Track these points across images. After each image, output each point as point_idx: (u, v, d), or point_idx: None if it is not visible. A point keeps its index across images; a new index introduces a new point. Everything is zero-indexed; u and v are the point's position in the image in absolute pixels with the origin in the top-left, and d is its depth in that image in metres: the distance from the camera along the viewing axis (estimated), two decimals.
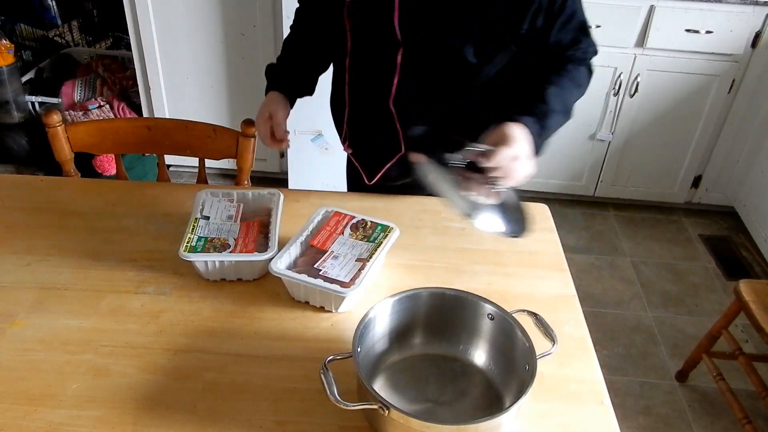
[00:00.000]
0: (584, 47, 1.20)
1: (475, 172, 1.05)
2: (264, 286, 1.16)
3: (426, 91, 1.24)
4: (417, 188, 1.39)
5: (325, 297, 1.09)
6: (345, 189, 1.57)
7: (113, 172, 2.75)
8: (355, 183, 1.48)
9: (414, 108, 1.26)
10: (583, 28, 1.19)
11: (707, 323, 2.21)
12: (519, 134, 1.06)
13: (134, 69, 2.77)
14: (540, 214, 1.39)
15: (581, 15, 1.18)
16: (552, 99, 1.14)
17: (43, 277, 1.16)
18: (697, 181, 2.87)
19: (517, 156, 1.04)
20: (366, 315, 0.95)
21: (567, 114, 1.19)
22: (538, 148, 1.10)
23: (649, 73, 2.60)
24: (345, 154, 1.49)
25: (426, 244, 1.28)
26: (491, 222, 1.07)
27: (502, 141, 1.04)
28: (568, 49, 1.19)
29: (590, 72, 1.24)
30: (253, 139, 1.55)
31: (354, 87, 1.31)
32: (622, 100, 2.66)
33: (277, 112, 1.32)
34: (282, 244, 1.15)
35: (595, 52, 1.24)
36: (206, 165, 1.67)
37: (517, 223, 1.10)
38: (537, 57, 1.20)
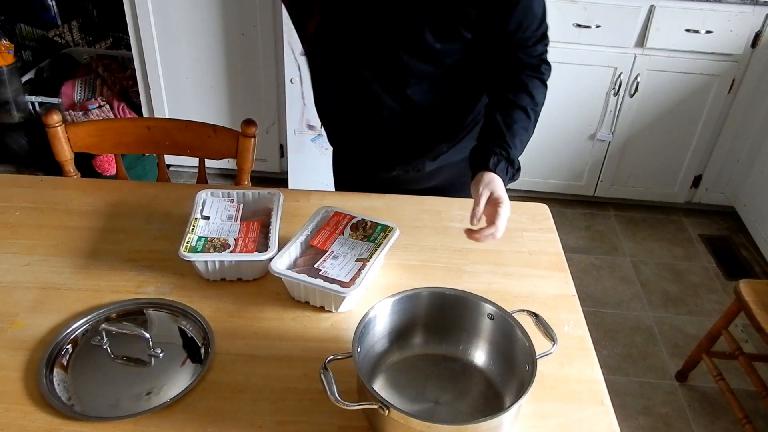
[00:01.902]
0: (544, 66, 1.20)
1: None
2: (264, 286, 1.16)
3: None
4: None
5: (325, 297, 1.09)
6: (344, 189, 1.57)
7: (113, 172, 2.75)
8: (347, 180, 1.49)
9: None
10: (544, 35, 1.18)
11: (707, 323, 2.21)
12: (502, 191, 1.09)
13: (134, 69, 2.78)
14: (540, 214, 1.39)
15: (540, 15, 1.15)
16: (519, 140, 1.15)
17: (43, 277, 1.16)
18: (697, 181, 2.87)
19: (506, 214, 1.07)
20: (366, 315, 0.95)
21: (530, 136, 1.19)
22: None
23: (649, 73, 2.60)
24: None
25: (426, 244, 1.28)
26: None
27: (496, 204, 1.07)
28: (527, 56, 1.18)
29: (545, 88, 1.21)
30: (253, 139, 1.55)
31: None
32: (622, 100, 2.66)
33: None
34: (282, 244, 1.15)
35: (549, 71, 1.22)
36: (206, 165, 1.67)
37: None
38: (496, 58, 1.19)
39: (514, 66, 1.18)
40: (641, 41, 2.53)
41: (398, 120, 1.27)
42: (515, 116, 1.15)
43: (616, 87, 2.62)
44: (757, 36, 2.49)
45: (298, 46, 2.42)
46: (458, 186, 1.42)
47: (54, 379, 0.97)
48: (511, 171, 1.13)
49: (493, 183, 1.09)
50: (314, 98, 1.40)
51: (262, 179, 2.95)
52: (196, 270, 1.16)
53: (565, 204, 2.99)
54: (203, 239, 1.17)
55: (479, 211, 1.07)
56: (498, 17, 1.13)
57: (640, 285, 2.55)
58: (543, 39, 1.18)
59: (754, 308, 1.78)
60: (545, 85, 1.20)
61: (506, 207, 1.06)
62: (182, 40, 2.66)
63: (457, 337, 1.03)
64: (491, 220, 1.06)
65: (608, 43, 2.53)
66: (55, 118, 1.51)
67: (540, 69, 1.19)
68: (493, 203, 1.07)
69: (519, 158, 1.15)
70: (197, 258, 1.12)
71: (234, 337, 1.05)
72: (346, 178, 1.56)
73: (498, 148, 1.12)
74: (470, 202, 1.41)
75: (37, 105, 3.03)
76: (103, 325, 1.02)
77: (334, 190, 1.56)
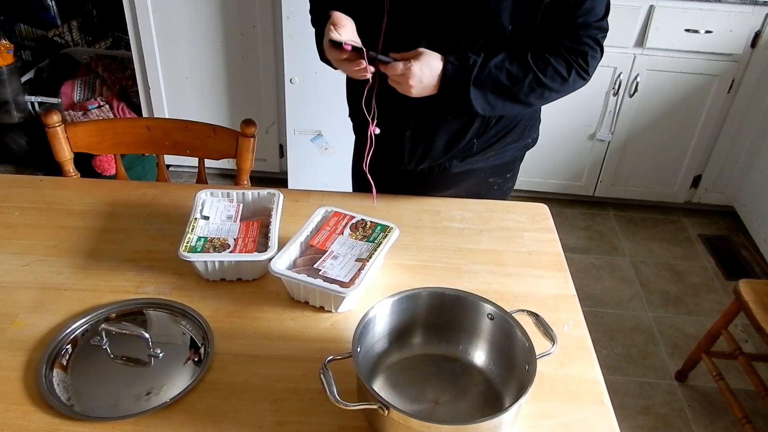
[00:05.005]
0: (590, 54, 1.23)
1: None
2: (264, 286, 1.16)
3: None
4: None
5: (325, 297, 1.09)
6: (344, 189, 1.57)
7: (113, 172, 2.75)
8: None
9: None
10: (600, 35, 1.23)
11: (707, 323, 2.22)
12: (433, 60, 1.14)
13: (134, 69, 2.77)
14: (540, 214, 1.39)
15: (600, 13, 1.20)
16: (501, 65, 1.16)
17: (43, 277, 1.16)
18: (696, 181, 2.87)
19: (418, 75, 1.12)
20: (366, 315, 0.95)
21: (513, 94, 1.19)
22: (444, 89, 1.16)
23: (648, 72, 2.60)
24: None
25: (426, 244, 1.28)
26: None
27: (416, 57, 1.13)
28: (575, 47, 1.21)
29: (580, 77, 1.24)
30: (252, 139, 1.55)
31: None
32: (622, 100, 2.66)
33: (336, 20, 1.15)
34: (282, 244, 1.15)
35: (591, 67, 1.24)
36: (206, 165, 1.67)
37: None
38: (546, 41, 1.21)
39: (560, 42, 1.20)
40: (641, 41, 2.53)
41: (436, 107, 1.25)
42: (512, 62, 1.17)
43: (616, 87, 2.62)
44: (757, 36, 2.49)
45: (299, 45, 2.42)
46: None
47: (54, 379, 0.97)
48: (460, 79, 1.15)
49: (431, 59, 1.13)
50: (349, 87, 1.38)
51: (261, 179, 2.95)
52: (195, 270, 1.16)
53: (565, 204, 2.99)
54: (203, 239, 1.17)
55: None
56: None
57: (639, 285, 2.55)
58: (600, 28, 1.23)
59: (753, 308, 1.78)
60: (573, 72, 1.22)
61: (418, 63, 1.11)
62: (182, 40, 2.66)
63: (457, 337, 1.03)
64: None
65: (608, 42, 2.48)
66: (55, 118, 1.51)
67: (583, 53, 1.22)
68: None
69: (485, 101, 1.17)
70: (197, 258, 1.12)
71: (234, 337, 1.05)
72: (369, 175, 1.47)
73: (471, 59, 1.15)
74: (469, 202, 1.42)
75: (36, 105, 3.03)
76: (103, 325, 1.02)
77: (335, 189, 1.55)
